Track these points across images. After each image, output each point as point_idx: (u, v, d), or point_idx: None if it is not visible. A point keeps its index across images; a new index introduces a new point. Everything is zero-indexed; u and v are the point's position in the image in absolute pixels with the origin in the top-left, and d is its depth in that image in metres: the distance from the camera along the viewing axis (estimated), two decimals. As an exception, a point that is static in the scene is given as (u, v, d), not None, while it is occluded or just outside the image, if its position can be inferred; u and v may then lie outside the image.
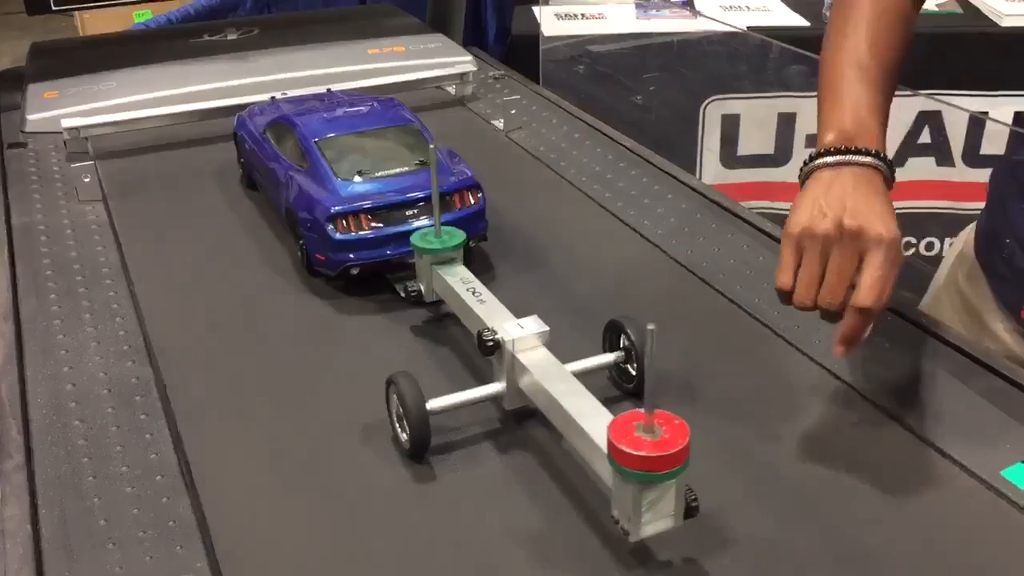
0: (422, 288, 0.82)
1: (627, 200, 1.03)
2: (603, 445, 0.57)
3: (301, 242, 0.88)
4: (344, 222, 0.83)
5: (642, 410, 0.55)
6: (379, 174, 0.86)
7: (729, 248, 0.93)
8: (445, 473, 0.67)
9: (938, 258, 1.98)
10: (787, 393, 0.74)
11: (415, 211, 0.85)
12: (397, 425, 0.68)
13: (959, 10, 2.08)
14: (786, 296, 0.67)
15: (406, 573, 0.59)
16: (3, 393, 0.74)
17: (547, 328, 0.70)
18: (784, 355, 0.78)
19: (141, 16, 2.59)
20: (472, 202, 0.87)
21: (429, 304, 0.83)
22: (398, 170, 0.87)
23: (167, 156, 1.16)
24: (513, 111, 1.23)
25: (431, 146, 0.81)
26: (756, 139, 2.02)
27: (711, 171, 2.01)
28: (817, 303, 0.65)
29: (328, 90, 1.14)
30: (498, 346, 0.69)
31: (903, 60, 0.75)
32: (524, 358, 0.68)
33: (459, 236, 0.81)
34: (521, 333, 0.69)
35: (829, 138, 0.69)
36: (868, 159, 0.67)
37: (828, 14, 2.03)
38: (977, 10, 2.07)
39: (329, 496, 0.65)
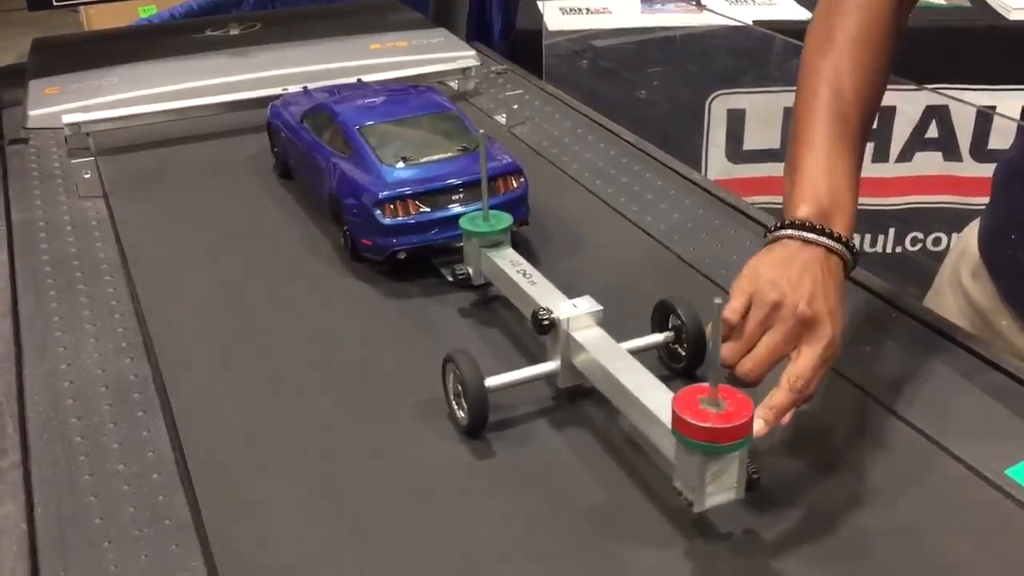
0: (470, 271, 0.83)
1: (630, 196, 1.03)
2: (665, 418, 0.58)
3: (345, 228, 0.88)
4: (392, 207, 0.84)
5: (705, 384, 0.56)
6: (423, 160, 0.88)
7: (732, 244, 0.93)
8: (502, 449, 0.67)
9: (945, 254, 1.97)
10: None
11: (460, 196, 0.86)
12: (454, 403, 0.69)
13: (967, 3, 2.06)
14: (726, 327, 0.64)
15: (458, 551, 0.60)
16: (0, 391, 0.74)
17: (601, 308, 0.71)
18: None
19: (146, 11, 2.58)
20: (515, 186, 0.89)
21: (476, 287, 0.84)
22: (441, 156, 0.88)
23: (168, 152, 1.15)
24: (516, 106, 1.22)
25: (481, 131, 0.82)
26: (762, 134, 2.01)
27: (716, 166, 2.01)
28: (736, 368, 0.63)
29: (359, 80, 1.15)
30: (553, 325, 0.70)
31: (880, 96, 0.74)
32: (579, 336, 0.69)
33: (507, 219, 0.82)
34: (576, 312, 0.70)
35: (803, 211, 0.67)
36: (838, 246, 0.66)
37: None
38: (985, 3, 2.06)
39: (327, 495, 0.64)
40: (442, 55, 1.36)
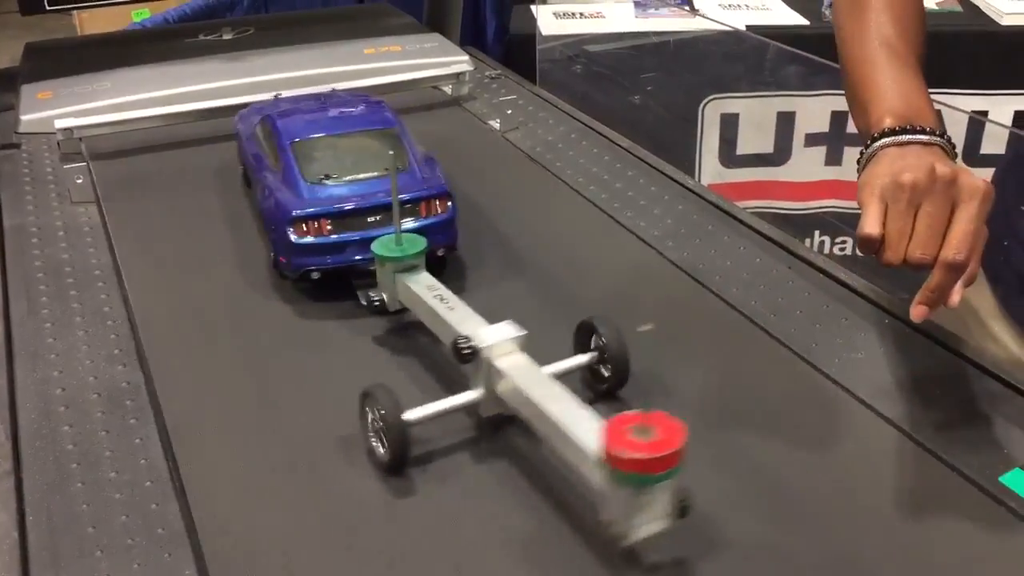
0: (385, 297, 0.80)
1: (624, 201, 1.03)
2: (591, 449, 0.56)
3: (271, 244, 0.88)
4: (303, 226, 0.82)
5: (634, 411, 0.54)
6: (347, 178, 0.86)
7: (725, 250, 0.93)
8: (425, 485, 0.65)
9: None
10: (782, 397, 0.74)
11: (378, 218, 0.83)
12: (373, 438, 0.67)
13: (959, 8, 2.07)
14: (872, 246, 0.63)
15: None
16: (-8, 398, 0.74)
17: (524, 332, 0.68)
18: (780, 358, 0.77)
19: (139, 15, 2.58)
20: (440, 211, 0.85)
21: (394, 313, 0.81)
22: (367, 175, 0.86)
23: (161, 157, 1.15)
24: (509, 111, 1.22)
25: (390, 152, 0.80)
26: (755, 138, 2.02)
27: (710, 170, 2.01)
28: (906, 258, 0.61)
29: (332, 89, 1.13)
30: (474, 353, 0.67)
31: (925, 45, 0.74)
32: (501, 363, 0.67)
33: (420, 243, 0.79)
34: (497, 338, 0.68)
35: (888, 122, 0.67)
36: (933, 138, 0.66)
37: (827, 13, 2.02)
38: (977, 8, 2.07)
39: (316, 505, 0.64)
40: (436, 60, 1.36)
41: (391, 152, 0.80)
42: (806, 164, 2.02)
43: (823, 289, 0.86)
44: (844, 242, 2.03)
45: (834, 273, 0.87)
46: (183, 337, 0.81)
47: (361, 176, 0.86)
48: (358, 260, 0.83)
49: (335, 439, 0.69)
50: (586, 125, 1.22)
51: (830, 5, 2.02)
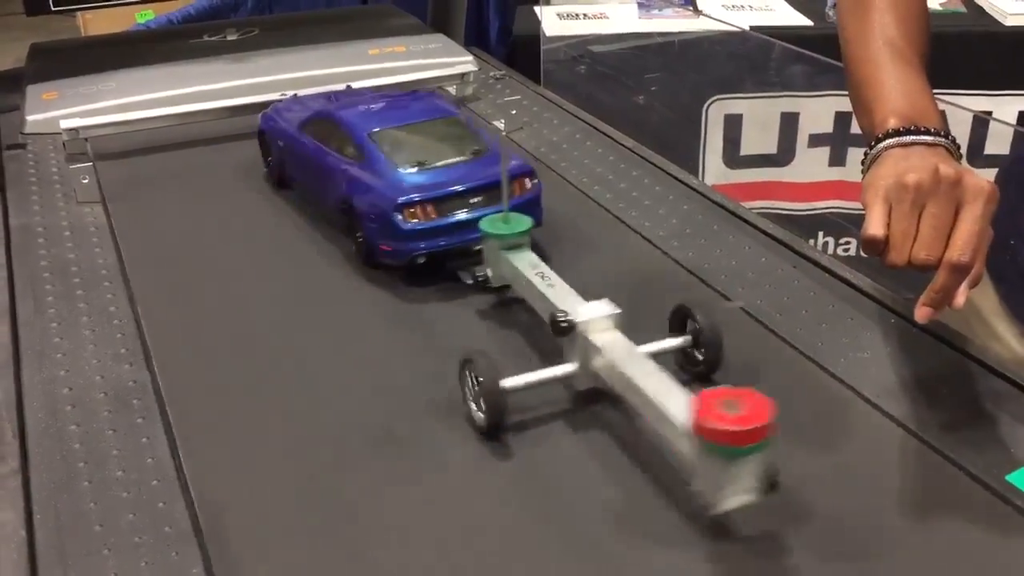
0: (489, 273, 0.83)
1: (628, 201, 1.03)
2: (683, 421, 0.58)
3: (359, 235, 0.88)
4: (412, 211, 0.84)
5: (725, 387, 0.57)
6: (437, 164, 0.88)
7: (731, 250, 0.93)
8: (520, 450, 0.68)
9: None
10: (788, 396, 0.73)
11: (476, 199, 0.86)
12: (472, 404, 0.69)
13: (963, 9, 2.07)
14: (876, 247, 0.63)
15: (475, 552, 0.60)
16: (-1, 397, 0.74)
17: (619, 310, 0.71)
18: (786, 358, 0.77)
19: (143, 16, 2.59)
20: (529, 188, 0.89)
21: (495, 289, 0.84)
22: (454, 160, 0.89)
23: (167, 157, 1.15)
24: (514, 111, 1.22)
25: (501, 132, 0.83)
26: (759, 139, 2.02)
27: (714, 171, 2.01)
28: (911, 259, 0.61)
29: (348, 86, 1.14)
30: (571, 327, 0.70)
31: (929, 46, 0.74)
32: (597, 339, 0.69)
33: (526, 222, 0.82)
34: (594, 315, 0.70)
35: (892, 123, 0.67)
36: (937, 139, 0.66)
37: (831, 13, 2.03)
38: (981, 9, 2.07)
39: (329, 499, 0.64)
40: (440, 60, 1.36)
41: (502, 131, 0.85)
42: (810, 165, 2.02)
43: (829, 289, 0.86)
44: (848, 243, 2.03)
45: (839, 273, 0.87)
46: (189, 336, 0.81)
47: (449, 161, 0.88)
48: (463, 241, 0.85)
49: (351, 431, 0.70)
50: (590, 125, 1.22)
51: (834, 6, 2.02)
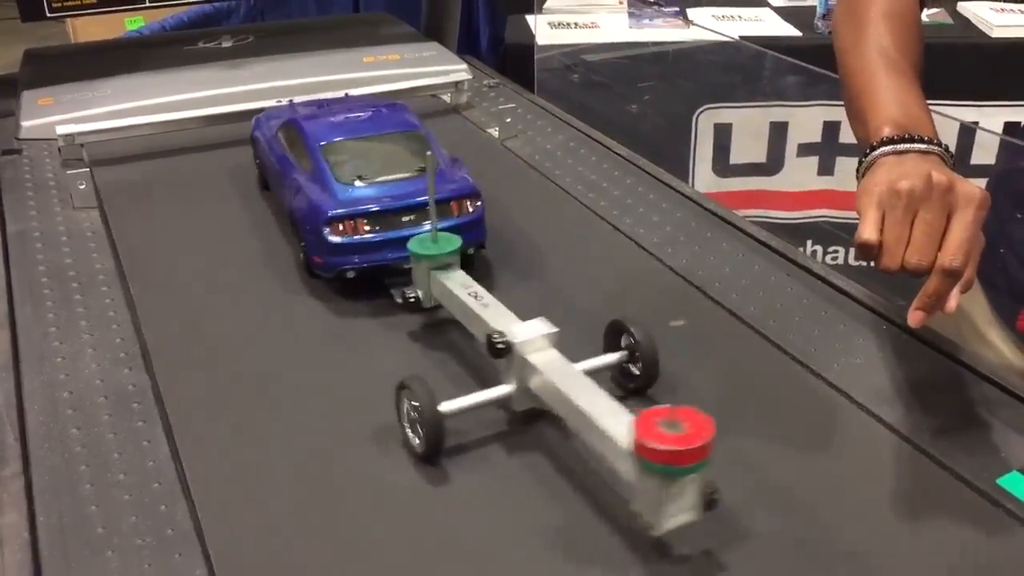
0: (420, 294, 0.82)
1: (622, 208, 1.04)
2: (621, 441, 0.58)
3: (302, 244, 0.88)
4: (340, 226, 0.84)
5: (664, 406, 0.56)
6: (379, 179, 0.87)
7: (724, 257, 0.94)
8: (459, 474, 0.67)
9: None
10: (781, 401, 0.75)
11: (412, 217, 0.85)
12: (409, 429, 0.69)
13: (950, 21, 2.09)
14: (869, 252, 0.64)
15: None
16: (0, 401, 0.74)
17: (555, 329, 0.70)
18: (779, 363, 0.78)
19: (133, 23, 2.58)
20: (470, 210, 0.88)
21: (427, 310, 0.83)
22: (398, 176, 0.88)
23: (162, 163, 1.15)
24: (508, 119, 1.23)
25: (428, 153, 0.81)
26: (748, 148, 2.03)
27: (703, 180, 2.02)
28: (903, 264, 0.62)
29: (346, 94, 1.15)
30: (508, 348, 0.69)
31: (922, 57, 0.76)
32: (534, 359, 0.69)
33: (455, 242, 0.81)
34: (530, 335, 0.70)
35: (886, 131, 0.68)
36: (930, 147, 0.67)
37: (820, 24, 2.04)
38: (968, 21, 2.09)
39: (333, 502, 0.65)
40: (434, 68, 1.37)
41: (428, 152, 0.82)
42: (799, 174, 2.03)
43: (821, 295, 0.87)
44: (836, 251, 2.05)
45: (832, 280, 0.88)
46: (188, 340, 0.82)
47: (393, 177, 0.88)
48: (393, 259, 0.84)
49: (356, 434, 0.71)
50: (584, 133, 1.23)
51: (822, 16, 2.04)
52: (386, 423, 0.70)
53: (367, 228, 0.84)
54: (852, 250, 2.05)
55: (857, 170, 0.69)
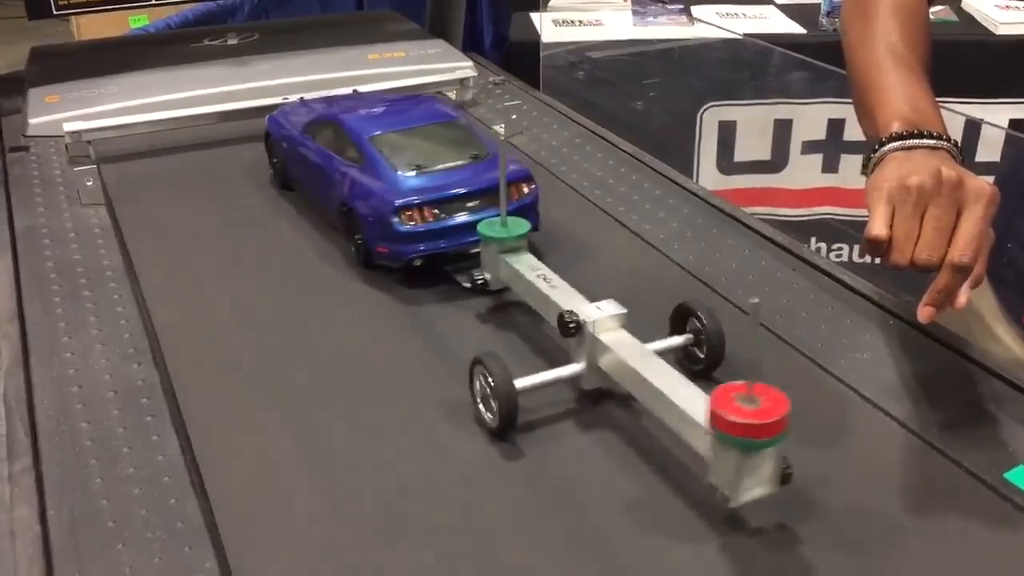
0: (488, 277, 0.84)
1: (629, 205, 1.04)
2: (697, 416, 0.60)
3: (358, 236, 0.89)
4: (409, 214, 0.85)
5: (740, 382, 0.57)
6: (436, 168, 0.89)
7: (731, 253, 0.94)
8: (531, 450, 0.69)
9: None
10: (789, 396, 0.74)
11: (474, 203, 0.87)
12: (482, 405, 0.70)
13: (955, 18, 2.09)
14: (879, 248, 0.64)
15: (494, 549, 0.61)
16: (10, 395, 0.74)
17: (625, 310, 0.72)
18: (786, 358, 0.79)
19: (137, 21, 2.59)
20: (527, 192, 0.90)
21: (492, 293, 0.85)
22: (453, 164, 0.90)
23: (168, 160, 1.16)
24: (514, 116, 1.23)
25: (501, 137, 0.83)
26: (753, 145, 2.03)
27: (708, 177, 2.02)
28: (913, 260, 0.62)
29: (354, 90, 1.16)
30: (580, 327, 0.71)
31: (930, 53, 0.76)
32: (606, 338, 0.70)
33: (524, 225, 0.83)
34: (601, 314, 0.71)
35: (895, 127, 0.68)
36: (939, 142, 0.67)
37: (824, 21, 2.04)
38: (973, 19, 2.09)
39: (350, 489, 0.65)
40: (440, 66, 1.37)
41: (502, 137, 0.84)
42: (803, 171, 2.03)
43: (828, 291, 0.87)
44: (840, 249, 2.05)
45: (838, 276, 0.89)
46: (196, 335, 0.82)
47: (449, 165, 0.89)
48: (460, 244, 0.86)
49: (369, 427, 0.71)
50: (589, 130, 1.23)
51: (827, 14, 2.04)
52: (389, 416, 0.71)
53: (433, 215, 0.86)
54: (856, 247, 2.05)
55: (865, 165, 0.70)
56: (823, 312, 0.84)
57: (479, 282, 0.84)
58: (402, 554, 0.60)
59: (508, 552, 0.61)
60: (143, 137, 1.18)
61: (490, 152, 0.92)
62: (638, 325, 0.75)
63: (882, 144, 0.68)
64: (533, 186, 0.91)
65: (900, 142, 0.67)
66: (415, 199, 0.86)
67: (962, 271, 0.61)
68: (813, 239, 2.05)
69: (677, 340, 0.75)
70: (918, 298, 1.00)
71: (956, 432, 0.69)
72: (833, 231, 2.00)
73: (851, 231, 1.94)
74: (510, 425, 0.69)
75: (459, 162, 0.90)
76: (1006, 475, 0.65)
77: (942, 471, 0.67)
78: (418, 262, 0.87)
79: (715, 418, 0.57)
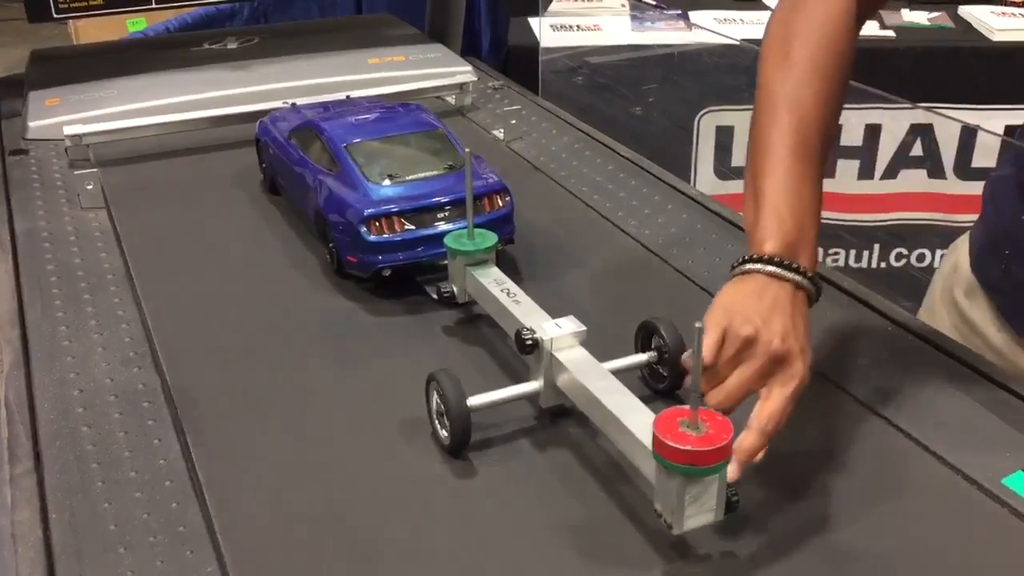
0: (455, 289, 0.83)
1: (628, 210, 1.04)
2: (646, 440, 0.59)
3: (331, 245, 0.89)
4: (377, 224, 0.85)
5: (686, 407, 0.57)
6: (409, 178, 0.88)
7: (729, 258, 0.93)
8: (485, 468, 0.68)
9: (930, 269, 2.00)
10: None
11: (445, 214, 0.87)
12: (437, 422, 0.70)
13: (951, 24, 2.10)
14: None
15: (442, 569, 0.61)
16: (11, 398, 0.74)
17: (584, 328, 0.71)
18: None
19: (135, 25, 2.59)
20: (501, 205, 0.89)
21: (460, 305, 0.85)
22: (427, 174, 0.89)
23: (168, 164, 1.16)
24: (513, 121, 1.23)
25: (467, 150, 0.82)
26: (750, 151, 2.04)
27: (705, 182, 2.03)
28: (707, 398, 0.63)
29: (347, 96, 1.16)
30: (536, 345, 0.70)
31: (840, 109, 0.74)
32: (562, 356, 0.70)
33: (492, 238, 0.83)
34: (559, 332, 0.71)
35: (769, 246, 0.67)
36: (805, 282, 0.67)
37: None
38: (968, 24, 2.10)
39: (349, 495, 0.66)
40: (439, 70, 1.38)
41: (468, 149, 0.82)
42: (799, 176, 2.03)
43: (825, 297, 0.87)
44: (837, 254, 2.06)
45: (836, 281, 0.89)
46: (196, 339, 0.82)
47: (422, 175, 0.89)
48: (427, 256, 0.86)
49: (365, 429, 0.71)
50: (588, 135, 1.24)
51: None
52: (398, 421, 0.71)
53: (403, 226, 0.85)
54: (853, 251, 2.06)
55: (733, 266, 0.69)
56: (820, 318, 0.84)
57: (446, 295, 0.83)
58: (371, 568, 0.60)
59: (454, 571, 0.60)
60: (143, 140, 1.18)
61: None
62: (632, 332, 0.76)
63: (750, 259, 0.67)
64: (508, 198, 0.90)
65: (763, 266, 0.66)
66: (384, 209, 0.85)
67: (766, 436, 0.61)
68: (809, 244, 2.06)
69: (640, 358, 0.74)
70: (916, 304, 1.00)
71: (953, 437, 0.70)
72: (830, 236, 2.01)
73: (847, 236, 1.95)
74: (463, 443, 0.68)
75: (433, 172, 0.89)
76: (1004, 481, 0.66)
77: (940, 476, 0.67)
78: (387, 272, 0.86)
79: (658, 444, 0.56)
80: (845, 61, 0.74)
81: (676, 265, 0.93)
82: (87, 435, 0.71)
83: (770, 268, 0.66)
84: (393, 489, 0.66)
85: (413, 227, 0.85)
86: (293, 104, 1.11)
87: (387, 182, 0.87)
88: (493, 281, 0.80)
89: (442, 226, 0.86)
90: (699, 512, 0.58)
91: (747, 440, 0.61)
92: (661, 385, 0.74)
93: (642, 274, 0.94)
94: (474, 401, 0.68)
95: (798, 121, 0.70)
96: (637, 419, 0.62)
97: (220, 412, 0.74)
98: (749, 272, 0.67)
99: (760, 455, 0.62)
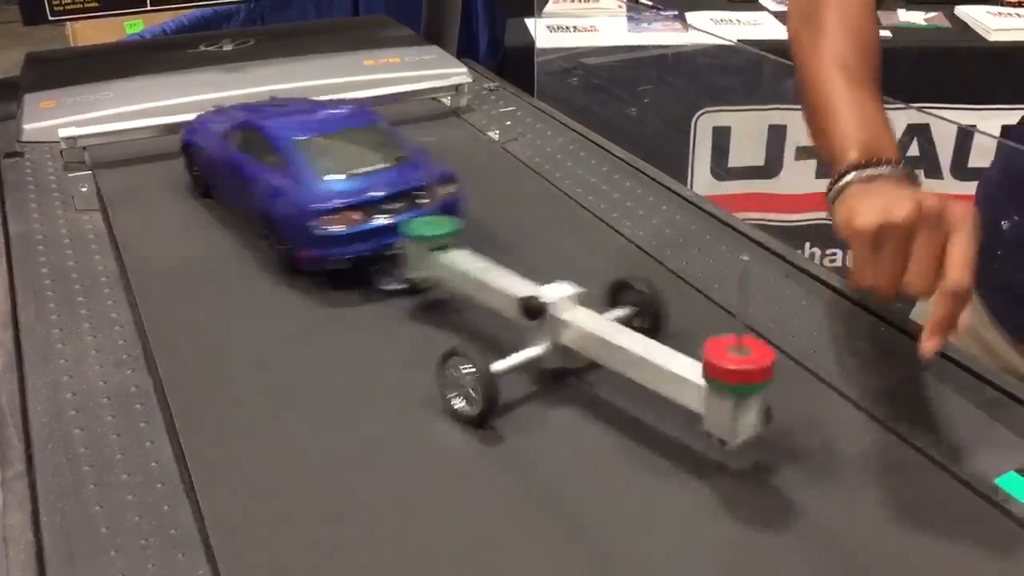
0: (414, 277, 0.85)
1: (623, 211, 1.04)
2: (685, 373, 0.64)
3: (281, 243, 0.90)
4: (328, 218, 0.86)
5: (726, 336, 0.61)
6: (358, 171, 0.89)
7: (724, 259, 0.94)
8: (510, 437, 0.70)
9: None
10: (780, 402, 0.75)
11: (397, 205, 0.88)
12: (458, 396, 0.71)
13: (947, 25, 2.10)
14: (866, 291, 0.64)
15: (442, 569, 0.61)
16: (3, 401, 0.74)
17: (583, 289, 0.74)
18: (778, 363, 0.78)
19: (133, 27, 2.59)
20: (451, 193, 0.91)
21: (415, 292, 0.86)
22: (375, 167, 0.90)
23: (164, 166, 1.15)
24: (508, 122, 1.23)
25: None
26: (746, 151, 2.04)
27: (702, 183, 2.03)
28: (908, 293, 0.61)
29: (271, 97, 1.16)
30: (543, 308, 0.73)
31: (880, 63, 0.75)
32: (570, 316, 0.72)
33: (456, 222, 0.84)
34: (566, 292, 0.74)
35: (853, 155, 0.67)
36: (897, 170, 0.67)
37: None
38: (965, 25, 2.10)
39: (340, 499, 0.66)
40: (435, 72, 1.37)
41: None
42: (797, 177, 2.04)
43: (820, 297, 0.88)
44: (834, 254, 2.06)
45: (830, 282, 0.89)
46: (191, 341, 0.82)
47: (370, 168, 0.90)
48: (382, 247, 0.87)
49: (363, 428, 0.72)
50: (584, 136, 1.24)
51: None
52: (392, 414, 0.72)
53: (354, 219, 0.86)
54: (850, 252, 2.06)
55: (827, 192, 0.68)
56: (815, 318, 0.85)
57: (406, 283, 0.85)
58: (394, 555, 0.61)
59: (497, 540, 0.62)
60: (139, 143, 1.18)
61: (412, 155, 0.92)
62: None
63: (842, 175, 0.67)
64: (456, 186, 0.91)
65: (859, 171, 0.66)
66: (334, 203, 0.86)
67: (962, 296, 0.60)
68: (807, 244, 2.06)
69: (622, 312, 0.77)
70: (910, 305, 1.00)
71: (947, 438, 0.70)
72: (827, 236, 2.01)
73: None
74: (492, 411, 0.70)
75: (381, 165, 0.90)
76: (997, 481, 0.66)
77: (932, 477, 0.67)
78: (341, 266, 0.87)
79: (712, 368, 0.61)
80: (873, 28, 0.76)
81: (670, 266, 0.93)
82: (79, 438, 0.71)
83: (860, 173, 0.67)
84: (392, 490, 0.66)
85: (364, 220, 0.86)
86: (217, 107, 1.11)
87: (334, 176, 0.88)
88: (468, 261, 0.82)
89: (392, 218, 0.87)
90: (745, 428, 0.63)
91: (940, 310, 0.59)
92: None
93: (636, 275, 0.93)
94: (497, 367, 0.70)
95: (843, 62, 0.73)
96: (671, 357, 0.67)
97: (213, 414, 0.74)
98: (845, 188, 0.67)
99: (965, 320, 0.60)
